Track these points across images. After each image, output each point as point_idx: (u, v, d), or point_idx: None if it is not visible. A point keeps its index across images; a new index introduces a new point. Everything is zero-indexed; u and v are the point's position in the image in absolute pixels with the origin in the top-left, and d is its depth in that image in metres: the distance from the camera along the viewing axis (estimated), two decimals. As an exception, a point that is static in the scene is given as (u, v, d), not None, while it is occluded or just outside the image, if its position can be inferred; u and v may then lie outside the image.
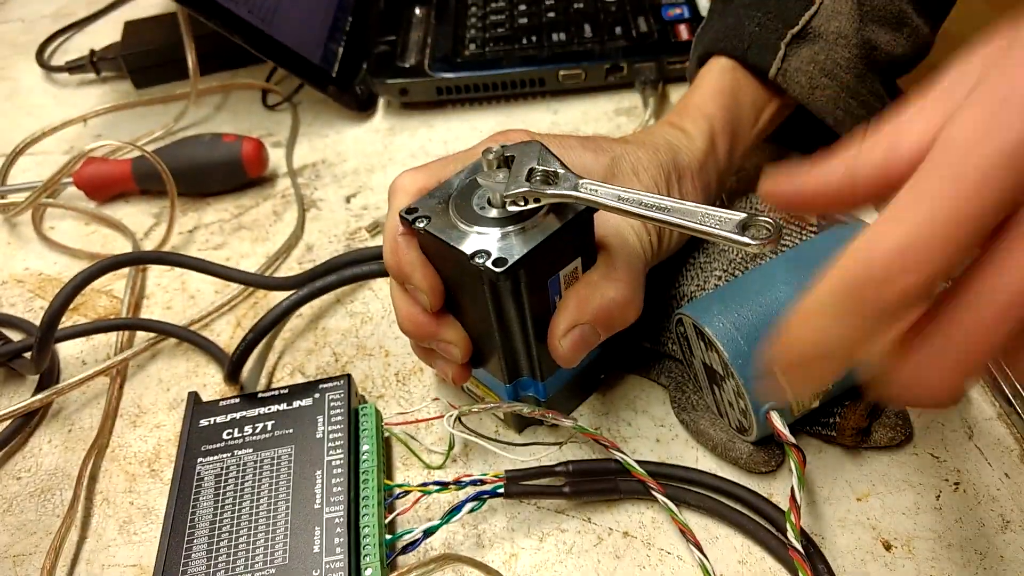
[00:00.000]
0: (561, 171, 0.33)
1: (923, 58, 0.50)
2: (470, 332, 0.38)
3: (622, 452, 0.38)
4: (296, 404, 0.41)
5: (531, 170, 0.33)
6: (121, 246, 0.58)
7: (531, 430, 0.42)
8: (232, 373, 0.45)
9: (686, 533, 0.36)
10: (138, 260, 0.52)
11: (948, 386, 0.22)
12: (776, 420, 0.36)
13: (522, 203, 0.33)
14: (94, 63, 0.74)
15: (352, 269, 0.48)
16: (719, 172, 0.45)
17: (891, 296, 0.21)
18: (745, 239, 0.28)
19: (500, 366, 0.38)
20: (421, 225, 0.34)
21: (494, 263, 0.32)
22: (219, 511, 0.37)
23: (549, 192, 0.32)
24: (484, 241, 0.33)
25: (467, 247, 0.33)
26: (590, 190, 0.32)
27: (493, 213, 0.34)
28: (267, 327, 0.46)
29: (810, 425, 0.39)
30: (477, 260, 0.32)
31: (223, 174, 0.60)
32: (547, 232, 0.33)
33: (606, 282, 0.35)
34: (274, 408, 0.40)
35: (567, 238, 0.34)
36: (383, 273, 0.48)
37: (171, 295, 0.53)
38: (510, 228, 0.33)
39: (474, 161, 0.37)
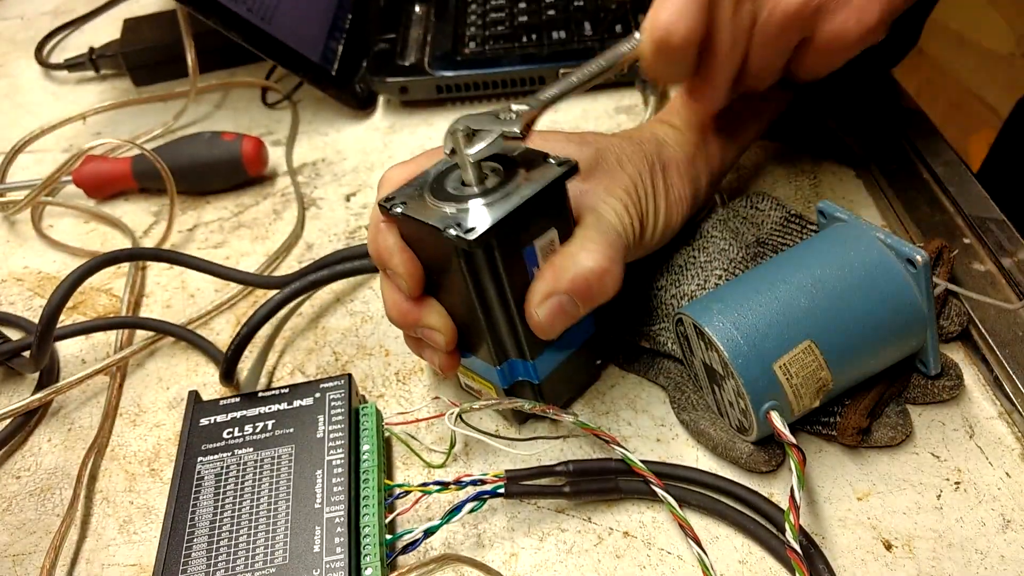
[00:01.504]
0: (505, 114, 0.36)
1: (911, 47, 0.51)
2: (455, 316, 0.38)
3: (623, 447, 0.38)
4: (296, 403, 0.40)
5: (484, 131, 0.35)
6: (120, 244, 0.58)
7: (531, 425, 0.42)
8: (227, 372, 0.45)
9: (686, 529, 0.36)
10: (134, 256, 0.52)
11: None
12: (776, 419, 0.36)
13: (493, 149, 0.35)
14: (93, 61, 0.74)
15: (345, 264, 0.48)
16: (710, 169, 0.45)
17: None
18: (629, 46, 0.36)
19: (488, 348, 0.38)
20: (398, 210, 0.35)
21: (465, 232, 0.33)
22: (219, 510, 0.37)
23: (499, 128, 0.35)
24: (457, 215, 0.34)
25: (440, 222, 0.34)
26: (516, 111, 0.36)
27: (467, 191, 0.35)
28: (258, 323, 0.45)
29: (810, 424, 0.39)
30: (450, 232, 0.33)
31: (223, 172, 0.60)
32: (518, 200, 0.34)
33: (583, 252, 0.36)
34: (274, 407, 0.40)
35: (538, 205, 0.35)
36: (376, 268, 0.48)
37: (171, 294, 0.53)
38: (481, 201, 0.34)
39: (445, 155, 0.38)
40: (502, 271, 0.35)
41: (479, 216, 0.34)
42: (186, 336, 0.48)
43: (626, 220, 0.39)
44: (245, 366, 0.47)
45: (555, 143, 0.39)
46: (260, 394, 0.41)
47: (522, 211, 0.34)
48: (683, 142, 0.44)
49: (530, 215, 0.35)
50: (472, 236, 0.33)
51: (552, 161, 0.36)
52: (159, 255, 0.51)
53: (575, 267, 0.35)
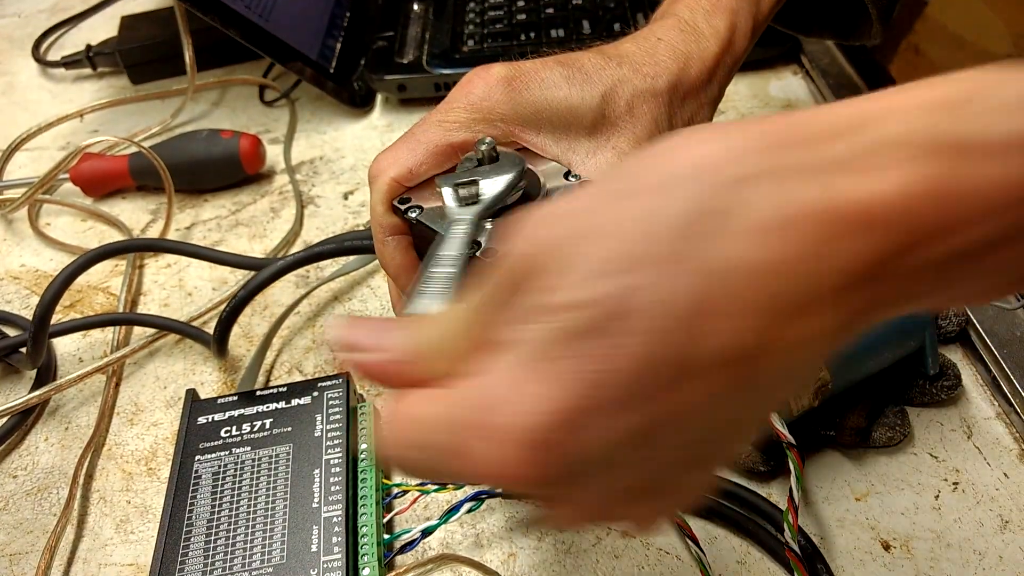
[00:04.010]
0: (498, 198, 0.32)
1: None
2: None
3: (621, 451, 0.38)
4: (295, 402, 0.40)
5: (472, 182, 0.33)
6: (118, 243, 0.58)
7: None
8: (221, 338, 0.45)
9: (684, 529, 0.36)
10: (129, 248, 0.52)
11: None
12: (775, 420, 0.36)
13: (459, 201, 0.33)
14: (90, 58, 0.73)
15: (353, 242, 0.47)
16: (735, 62, 0.39)
17: None
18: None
19: None
20: (413, 215, 0.35)
21: (482, 252, 0.32)
22: (216, 509, 0.37)
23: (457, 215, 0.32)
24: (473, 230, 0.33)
25: None
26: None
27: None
28: (256, 288, 0.45)
29: (808, 425, 0.39)
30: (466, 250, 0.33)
31: (220, 170, 0.59)
32: None
33: None
34: (272, 406, 0.40)
35: None
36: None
37: (168, 292, 0.53)
38: (500, 220, 0.33)
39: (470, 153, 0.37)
40: None
41: (495, 235, 0.33)
42: (183, 330, 0.48)
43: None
44: (242, 364, 0.47)
45: (551, 86, 0.34)
46: (258, 393, 0.41)
47: None
48: (708, 53, 0.37)
49: None
50: (490, 257, 0.32)
51: (572, 180, 0.34)
52: (154, 245, 0.51)
53: None
